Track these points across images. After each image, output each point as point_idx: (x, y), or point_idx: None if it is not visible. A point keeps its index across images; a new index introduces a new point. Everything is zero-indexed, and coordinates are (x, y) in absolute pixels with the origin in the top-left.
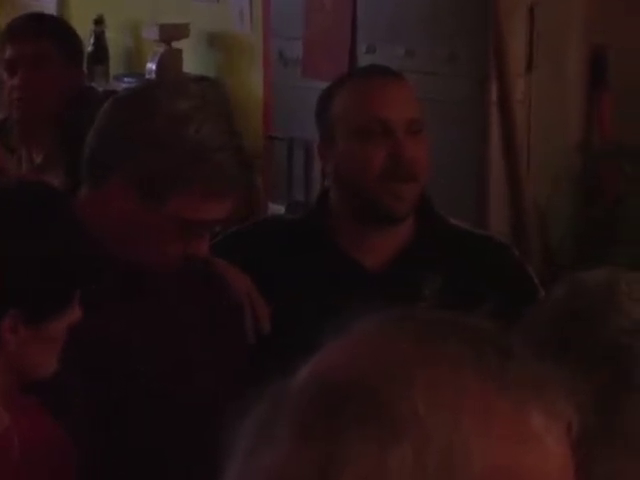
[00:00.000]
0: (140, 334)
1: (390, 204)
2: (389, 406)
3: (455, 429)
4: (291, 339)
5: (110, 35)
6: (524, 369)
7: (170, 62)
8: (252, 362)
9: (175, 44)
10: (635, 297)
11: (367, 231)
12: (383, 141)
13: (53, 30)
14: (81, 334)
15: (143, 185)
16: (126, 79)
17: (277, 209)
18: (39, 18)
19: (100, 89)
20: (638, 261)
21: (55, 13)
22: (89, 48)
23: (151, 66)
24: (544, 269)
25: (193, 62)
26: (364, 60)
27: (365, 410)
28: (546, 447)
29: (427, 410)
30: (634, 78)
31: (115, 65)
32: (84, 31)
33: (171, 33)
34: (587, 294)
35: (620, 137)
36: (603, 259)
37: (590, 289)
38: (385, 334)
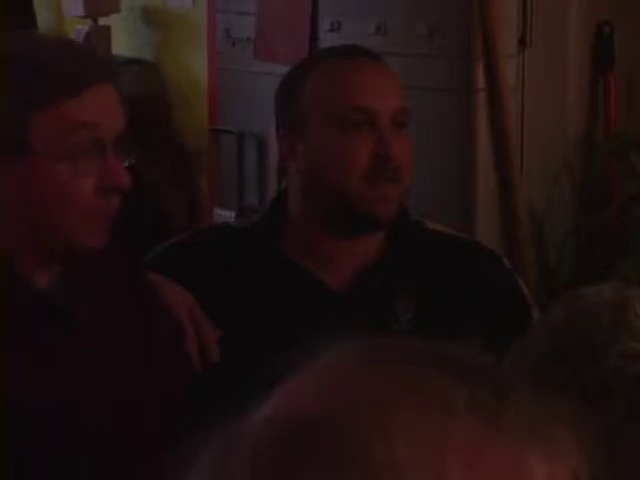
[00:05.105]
0: (54, 365)
1: (375, 207)
2: (364, 453)
3: None
4: (244, 370)
5: None
6: (523, 410)
7: (97, 42)
8: (197, 397)
9: (103, 21)
10: None
11: (335, 242)
12: (366, 134)
13: None
14: None
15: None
16: None
17: (225, 216)
18: None
19: None
20: None
21: None
22: None
23: None
24: (541, 286)
25: (124, 42)
26: (327, 39)
27: (336, 459)
28: None
29: (409, 459)
30: None
31: None
32: None
33: (98, 7)
34: (590, 314)
35: (629, 129)
36: (609, 274)
37: (594, 308)
38: (359, 369)
